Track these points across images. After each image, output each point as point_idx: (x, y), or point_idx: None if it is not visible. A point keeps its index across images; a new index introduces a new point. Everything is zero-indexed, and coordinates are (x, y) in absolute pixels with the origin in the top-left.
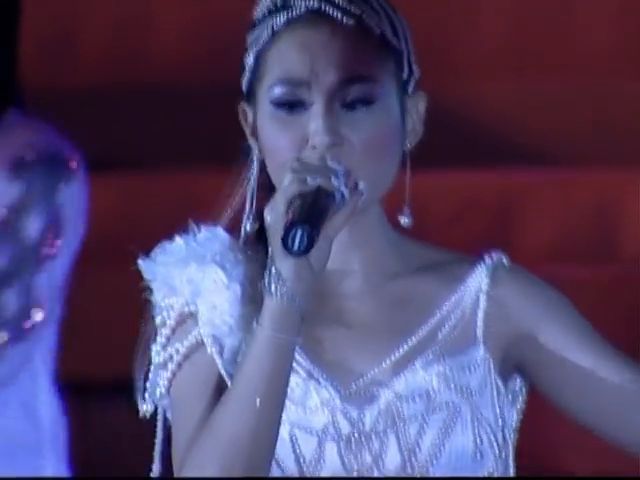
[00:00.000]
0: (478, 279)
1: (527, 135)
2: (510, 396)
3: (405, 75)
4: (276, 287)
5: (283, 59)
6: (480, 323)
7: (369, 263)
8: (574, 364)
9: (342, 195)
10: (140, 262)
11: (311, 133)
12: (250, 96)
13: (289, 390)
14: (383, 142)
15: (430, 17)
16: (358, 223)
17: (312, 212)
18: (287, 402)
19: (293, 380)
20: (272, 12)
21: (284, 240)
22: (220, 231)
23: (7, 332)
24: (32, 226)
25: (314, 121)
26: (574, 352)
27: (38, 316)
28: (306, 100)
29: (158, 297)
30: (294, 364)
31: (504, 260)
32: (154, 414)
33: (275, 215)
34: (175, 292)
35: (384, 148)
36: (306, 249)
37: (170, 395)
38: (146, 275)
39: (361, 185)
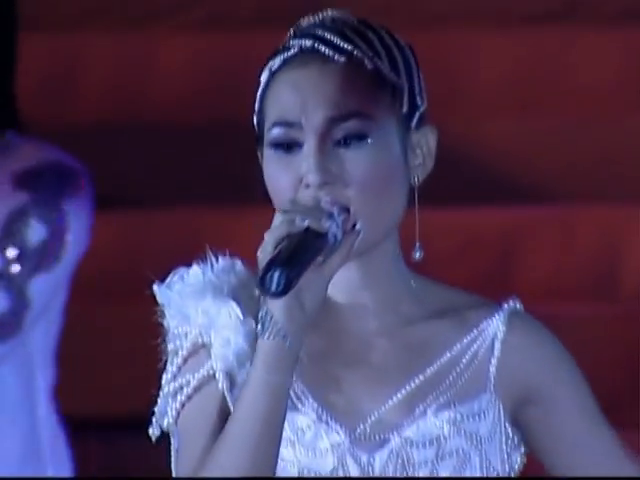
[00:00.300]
0: (494, 325)
1: (527, 172)
2: (516, 439)
3: (405, 110)
4: (267, 328)
5: (278, 101)
6: (493, 369)
7: (382, 303)
8: (568, 437)
9: (335, 236)
10: (155, 287)
11: (304, 172)
12: (259, 139)
13: (299, 432)
14: (380, 178)
15: (430, 55)
16: (369, 262)
17: (295, 254)
18: (297, 444)
19: (304, 422)
20: (274, 54)
21: (261, 280)
22: (238, 264)
23: None
24: (34, 232)
25: (306, 160)
26: (571, 426)
27: (26, 316)
28: (300, 140)
29: (171, 324)
30: (303, 406)
31: (519, 307)
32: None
33: (264, 255)
34: (189, 322)
35: (381, 184)
36: (283, 291)
37: (177, 426)
38: (160, 300)
39: (358, 225)
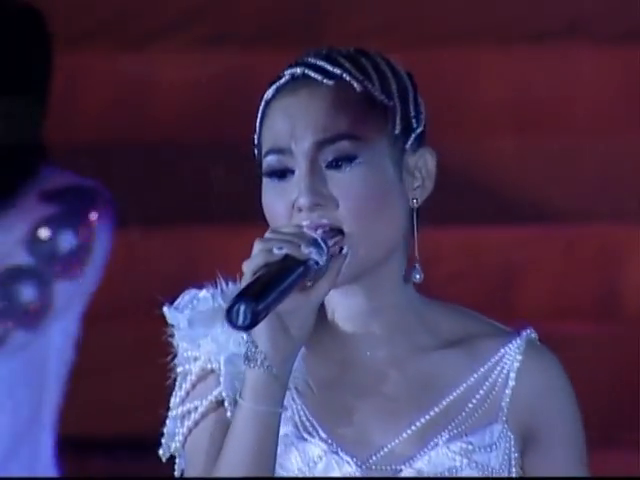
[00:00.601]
0: (510, 355)
1: (527, 191)
2: (522, 470)
3: (398, 131)
4: (252, 358)
5: (271, 129)
6: (507, 400)
7: (391, 330)
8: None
9: (317, 261)
10: (165, 309)
11: (296, 197)
12: (259, 167)
13: (311, 463)
14: (372, 198)
15: (430, 74)
16: (373, 286)
17: (270, 284)
18: (308, 475)
19: (315, 452)
20: (269, 85)
21: (227, 314)
22: None
23: (13, 320)
24: (64, 239)
25: (297, 185)
26: (557, 472)
27: (47, 313)
28: (292, 166)
29: (181, 346)
30: (312, 437)
31: (535, 337)
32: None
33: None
34: (198, 348)
35: (374, 205)
36: (249, 325)
37: (184, 449)
38: (170, 321)
39: (345, 249)
